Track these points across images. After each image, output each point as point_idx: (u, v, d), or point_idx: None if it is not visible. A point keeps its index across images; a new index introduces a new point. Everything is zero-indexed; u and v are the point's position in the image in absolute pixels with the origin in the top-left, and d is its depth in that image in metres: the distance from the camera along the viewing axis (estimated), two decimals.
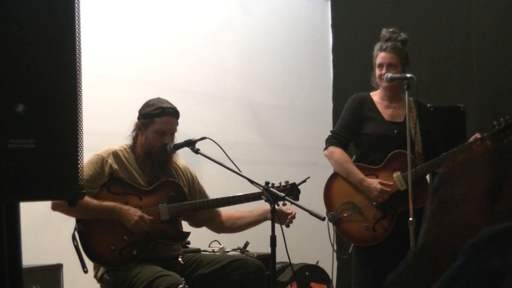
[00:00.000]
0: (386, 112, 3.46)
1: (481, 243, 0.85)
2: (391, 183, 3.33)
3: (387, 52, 3.39)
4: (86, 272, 3.11)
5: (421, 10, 4.78)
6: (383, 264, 3.33)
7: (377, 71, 3.43)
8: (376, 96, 3.51)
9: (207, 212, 3.36)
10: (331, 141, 3.50)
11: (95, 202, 3.05)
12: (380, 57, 3.40)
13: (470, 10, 4.28)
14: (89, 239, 3.09)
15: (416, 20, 4.77)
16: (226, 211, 3.44)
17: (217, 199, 3.26)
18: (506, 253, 0.85)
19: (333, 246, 3.52)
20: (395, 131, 3.39)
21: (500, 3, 4.06)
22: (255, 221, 3.38)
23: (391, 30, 3.45)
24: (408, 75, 3.20)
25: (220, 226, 3.44)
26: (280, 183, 3.22)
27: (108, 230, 3.09)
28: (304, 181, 3.20)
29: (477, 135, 3.26)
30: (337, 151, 3.45)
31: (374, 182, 3.32)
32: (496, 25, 4.05)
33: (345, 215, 3.36)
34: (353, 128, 3.48)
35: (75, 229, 3.11)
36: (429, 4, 4.72)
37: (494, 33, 4.06)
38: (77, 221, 3.11)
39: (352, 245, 3.46)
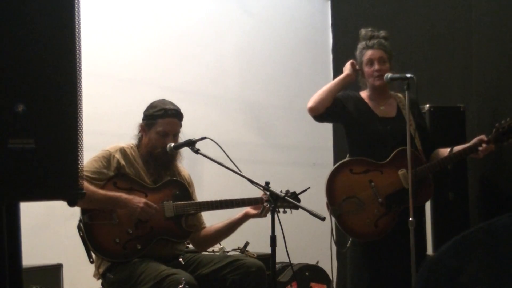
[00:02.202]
0: (377, 109, 3.47)
1: (453, 243, 0.92)
2: None
3: (375, 49, 3.41)
4: (92, 262, 3.12)
5: (421, 10, 4.77)
6: (380, 266, 3.32)
7: (368, 69, 3.43)
8: (365, 94, 3.53)
9: (197, 219, 3.40)
10: None
11: (101, 191, 3.07)
12: (369, 54, 3.41)
13: (470, 10, 4.27)
14: (94, 231, 3.10)
15: (416, 20, 4.77)
16: (207, 227, 3.47)
17: (220, 201, 3.27)
18: (463, 256, 0.91)
19: (332, 235, 3.39)
20: (388, 127, 3.40)
21: (500, 3, 4.05)
22: (229, 224, 3.38)
23: (369, 29, 3.47)
24: (408, 75, 3.20)
25: (199, 238, 3.44)
26: (280, 191, 3.20)
27: (113, 222, 3.11)
28: (305, 190, 3.19)
29: (483, 137, 3.25)
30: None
31: None
32: (496, 25, 4.05)
33: (348, 209, 3.34)
34: (341, 100, 3.46)
35: (80, 220, 3.11)
36: (429, 4, 4.71)
37: (494, 33, 4.05)
38: (82, 212, 3.11)
39: (350, 240, 3.43)
